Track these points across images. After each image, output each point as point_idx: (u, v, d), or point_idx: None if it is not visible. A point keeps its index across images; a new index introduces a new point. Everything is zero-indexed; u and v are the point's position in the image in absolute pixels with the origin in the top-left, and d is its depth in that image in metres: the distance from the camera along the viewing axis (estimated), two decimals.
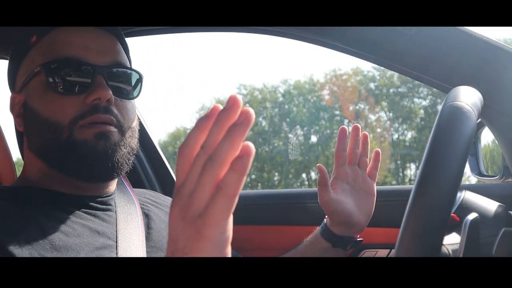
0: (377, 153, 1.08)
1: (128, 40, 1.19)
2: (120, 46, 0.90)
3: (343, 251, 1.04)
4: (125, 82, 0.87)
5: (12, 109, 0.88)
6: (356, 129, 1.05)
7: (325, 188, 1.00)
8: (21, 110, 0.86)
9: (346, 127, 1.05)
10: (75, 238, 0.75)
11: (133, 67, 0.92)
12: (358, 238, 1.04)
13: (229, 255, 0.48)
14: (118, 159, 0.83)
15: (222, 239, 0.47)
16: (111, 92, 0.82)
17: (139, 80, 0.89)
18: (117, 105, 0.84)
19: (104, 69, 0.83)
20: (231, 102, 0.45)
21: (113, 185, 0.89)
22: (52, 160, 0.83)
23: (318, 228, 1.06)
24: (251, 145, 0.44)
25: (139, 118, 1.37)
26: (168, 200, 1.04)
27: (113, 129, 0.83)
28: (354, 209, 1.01)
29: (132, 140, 0.87)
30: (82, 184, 0.84)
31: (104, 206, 0.85)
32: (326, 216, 1.03)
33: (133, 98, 0.89)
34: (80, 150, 0.80)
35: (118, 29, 0.91)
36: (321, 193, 1.00)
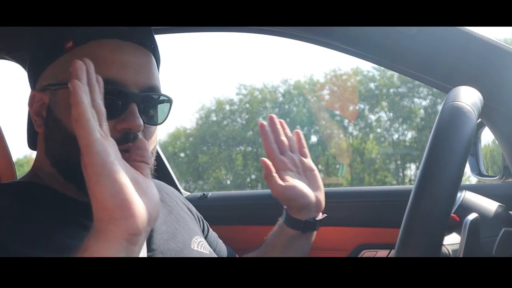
0: (297, 133, 1.15)
1: None
2: (154, 61, 0.86)
3: (312, 234, 1.09)
4: (156, 109, 0.84)
5: (31, 105, 0.84)
6: (271, 119, 1.13)
7: (272, 179, 1.05)
8: (41, 110, 0.83)
9: (264, 122, 1.13)
10: (78, 241, 0.74)
11: None
12: (322, 216, 1.10)
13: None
14: None
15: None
16: (142, 122, 0.79)
17: (169, 105, 0.87)
18: (144, 131, 0.82)
19: (139, 97, 0.80)
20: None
21: None
22: (71, 175, 0.80)
23: (280, 220, 1.11)
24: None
25: None
26: (171, 192, 1.03)
27: None
28: (306, 189, 1.06)
29: (151, 161, 0.83)
30: None
31: None
32: (285, 207, 1.08)
33: (160, 123, 0.86)
34: None
35: (154, 42, 0.87)
36: (271, 185, 1.06)
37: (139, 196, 0.59)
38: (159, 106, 0.85)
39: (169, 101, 0.87)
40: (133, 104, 0.79)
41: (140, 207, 0.58)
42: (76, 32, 0.81)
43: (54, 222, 0.75)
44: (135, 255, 0.58)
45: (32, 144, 0.91)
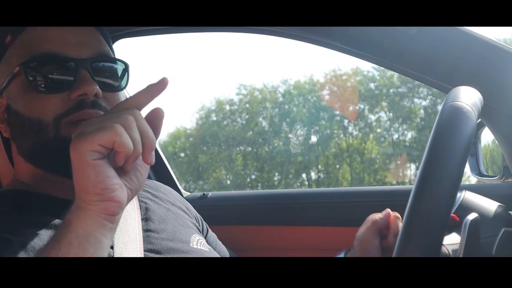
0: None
1: (128, 40, 1.19)
2: (101, 36, 0.87)
3: None
4: (111, 74, 0.84)
5: None
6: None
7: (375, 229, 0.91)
8: (4, 115, 0.83)
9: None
10: None
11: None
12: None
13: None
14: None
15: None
16: (97, 86, 0.79)
17: (125, 69, 0.87)
18: (107, 98, 0.81)
19: (88, 62, 0.80)
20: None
21: None
22: (42, 161, 0.81)
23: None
24: None
25: None
26: (168, 192, 1.02)
27: None
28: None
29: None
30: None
31: None
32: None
33: (122, 89, 0.86)
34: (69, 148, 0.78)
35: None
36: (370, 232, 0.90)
37: (122, 178, 0.61)
38: (115, 71, 0.85)
39: (124, 65, 0.86)
40: (83, 70, 0.79)
41: (119, 193, 0.59)
42: None
43: (45, 227, 0.75)
44: (112, 231, 0.61)
45: (9, 156, 0.90)
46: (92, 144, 0.57)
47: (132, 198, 0.63)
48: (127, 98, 0.64)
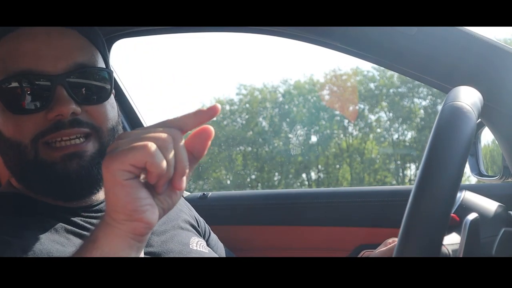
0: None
1: (128, 40, 1.19)
2: (85, 40, 0.81)
3: None
4: (90, 86, 0.78)
5: None
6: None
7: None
8: None
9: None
10: (71, 248, 0.74)
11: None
12: None
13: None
14: (94, 175, 0.77)
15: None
16: (73, 105, 0.74)
17: (109, 76, 0.81)
18: (88, 111, 0.77)
19: (63, 78, 0.74)
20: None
21: (102, 192, 0.83)
22: (24, 181, 0.79)
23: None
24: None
25: (137, 117, 1.37)
26: None
27: (86, 144, 0.76)
28: None
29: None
30: (60, 201, 0.80)
31: (98, 214, 0.82)
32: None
33: (105, 99, 0.80)
34: (50, 172, 0.75)
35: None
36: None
37: (155, 197, 0.57)
38: (97, 80, 0.79)
39: (107, 72, 0.81)
40: (59, 87, 0.74)
41: (149, 214, 0.55)
42: None
43: (43, 231, 0.74)
44: (139, 250, 0.59)
45: None
46: (123, 164, 0.53)
47: (163, 216, 0.59)
48: (173, 118, 0.58)
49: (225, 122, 24.48)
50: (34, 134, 0.75)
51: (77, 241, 0.76)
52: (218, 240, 1.09)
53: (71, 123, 0.75)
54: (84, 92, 0.77)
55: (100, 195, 0.84)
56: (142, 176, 0.56)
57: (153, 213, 0.56)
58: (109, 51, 1.30)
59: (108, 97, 0.81)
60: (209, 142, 0.58)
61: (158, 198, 0.57)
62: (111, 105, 0.82)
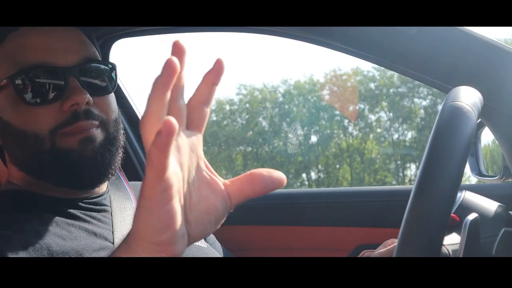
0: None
1: (128, 40, 1.19)
2: (86, 37, 0.85)
3: None
4: (100, 78, 0.83)
5: None
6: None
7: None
8: None
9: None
10: (72, 241, 0.74)
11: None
12: None
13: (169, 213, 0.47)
14: (108, 160, 0.80)
15: (159, 199, 0.46)
16: (87, 94, 0.78)
17: (113, 70, 0.85)
18: (97, 103, 0.81)
19: (75, 69, 0.78)
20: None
21: (105, 184, 0.86)
22: (38, 172, 0.80)
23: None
24: (172, 120, 0.40)
25: (137, 117, 1.37)
26: None
27: (96, 131, 0.79)
28: None
29: (118, 133, 0.84)
30: (73, 190, 0.81)
31: (98, 207, 0.83)
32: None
33: (111, 91, 0.85)
34: (67, 159, 0.77)
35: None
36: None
37: (185, 229, 0.51)
38: (103, 74, 0.83)
39: (111, 65, 0.85)
40: (72, 79, 0.77)
41: (178, 247, 0.50)
42: None
43: (43, 225, 0.74)
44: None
45: (3, 160, 0.89)
46: None
47: (191, 244, 0.53)
48: (190, 97, 0.52)
49: (225, 122, 24.50)
50: (53, 126, 0.77)
51: (78, 234, 0.76)
52: (216, 240, 1.10)
53: (86, 114, 0.78)
54: (93, 83, 0.81)
55: (103, 187, 0.86)
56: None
57: (182, 245, 0.50)
58: (109, 51, 1.30)
59: (113, 88, 0.85)
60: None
61: (191, 225, 0.51)
62: (113, 98, 0.86)
